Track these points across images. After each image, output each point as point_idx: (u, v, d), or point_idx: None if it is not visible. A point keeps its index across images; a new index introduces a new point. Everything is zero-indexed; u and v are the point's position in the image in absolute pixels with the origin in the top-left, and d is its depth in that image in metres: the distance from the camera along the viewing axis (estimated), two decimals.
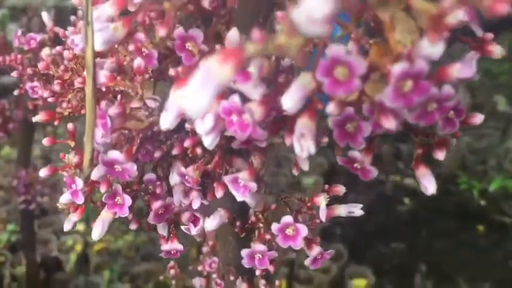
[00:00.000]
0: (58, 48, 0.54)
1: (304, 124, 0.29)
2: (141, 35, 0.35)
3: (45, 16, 0.68)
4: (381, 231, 1.76)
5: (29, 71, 0.66)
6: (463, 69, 0.30)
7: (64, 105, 0.47)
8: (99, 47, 0.35)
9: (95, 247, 1.65)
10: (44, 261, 1.57)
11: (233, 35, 0.26)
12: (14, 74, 0.67)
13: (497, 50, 0.33)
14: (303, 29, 0.18)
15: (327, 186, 0.43)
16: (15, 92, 0.67)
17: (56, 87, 0.42)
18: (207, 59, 0.20)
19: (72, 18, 0.82)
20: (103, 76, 0.37)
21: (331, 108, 0.28)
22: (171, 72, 0.34)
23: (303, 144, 0.29)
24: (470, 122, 0.35)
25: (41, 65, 0.44)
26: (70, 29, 0.50)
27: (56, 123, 0.42)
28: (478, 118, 0.35)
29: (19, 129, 1.22)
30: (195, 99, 0.19)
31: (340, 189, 0.43)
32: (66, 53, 0.47)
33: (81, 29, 0.46)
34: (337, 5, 0.17)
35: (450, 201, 1.90)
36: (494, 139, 2.26)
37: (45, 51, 0.64)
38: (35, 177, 1.30)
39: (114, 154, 0.35)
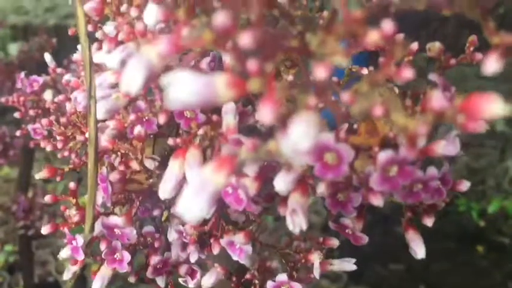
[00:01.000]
0: (60, 97, 0.55)
1: (296, 200, 0.31)
2: (141, 103, 0.37)
3: (48, 57, 0.69)
4: (379, 253, 1.76)
5: (31, 112, 0.68)
6: (448, 146, 0.31)
7: (66, 153, 0.49)
8: (101, 116, 0.36)
9: (93, 269, 1.65)
10: (42, 283, 1.57)
11: (228, 148, 0.28)
12: (17, 115, 0.68)
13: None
14: (290, 159, 0.19)
15: (321, 239, 0.45)
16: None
17: (59, 144, 0.44)
18: (203, 168, 0.21)
19: (65, 61, 0.83)
20: (104, 140, 0.38)
21: (321, 189, 0.30)
22: (170, 141, 0.35)
23: (295, 220, 0.31)
24: (457, 190, 0.36)
25: (43, 122, 0.46)
26: (72, 80, 0.51)
27: (58, 179, 0.44)
28: (465, 185, 0.36)
29: (19, 155, 1.23)
30: (191, 207, 0.21)
31: (334, 243, 0.45)
32: (68, 107, 0.48)
33: (83, 82, 0.47)
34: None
35: (449, 222, 1.91)
36: (492, 159, 2.27)
37: (48, 96, 0.66)
38: (35, 202, 1.31)
39: (114, 219, 0.36)
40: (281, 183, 0.29)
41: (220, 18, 0.19)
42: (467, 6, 0.24)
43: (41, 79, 0.68)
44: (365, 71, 0.41)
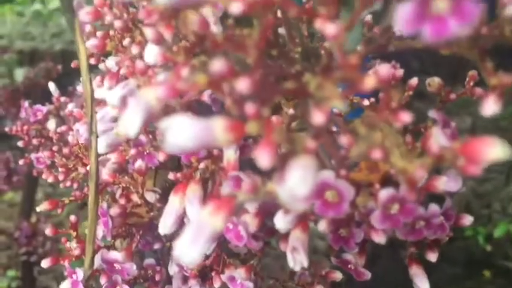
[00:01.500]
0: (63, 127, 0.55)
1: (296, 237, 0.31)
2: (142, 138, 0.37)
3: (52, 86, 0.70)
4: (385, 277, 1.74)
5: (35, 141, 0.68)
6: (449, 182, 0.31)
7: (68, 183, 0.49)
8: (102, 150, 0.36)
9: None
10: None
11: (227, 187, 0.28)
12: (20, 143, 0.68)
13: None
14: (287, 205, 0.19)
15: (324, 272, 0.44)
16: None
17: (60, 176, 0.44)
18: (200, 212, 0.21)
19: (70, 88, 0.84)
20: (105, 174, 0.38)
21: (323, 226, 0.29)
22: (171, 176, 0.35)
23: (296, 257, 0.30)
24: (460, 224, 0.36)
25: (46, 154, 0.46)
26: (75, 111, 0.51)
27: (59, 211, 0.44)
28: (468, 219, 0.36)
29: (23, 180, 1.24)
30: (189, 251, 0.20)
31: (338, 276, 0.44)
32: (70, 138, 0.49)
33: (85, 114, 0.47)
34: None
35: (455, 247, 1.88)
36: (498, 183, 2.26)
37: (51, 125, 0.66)
38: (37, 228, 1.31)
39: (114, 254, 0.36)
40: (281, 221, 0.28)
41: (217, 65, 0.19)
42: (465, 46, 0.25)
43: (44, 108, 0.69)
44: (366, 102, 0.41)
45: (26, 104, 0.71)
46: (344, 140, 0.21)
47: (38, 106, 0.69)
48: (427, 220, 0.30)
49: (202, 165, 0.36)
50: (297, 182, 0.18)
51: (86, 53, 0.33)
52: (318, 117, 0.19)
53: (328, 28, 0.19)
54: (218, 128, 0.20)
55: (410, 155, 0.26)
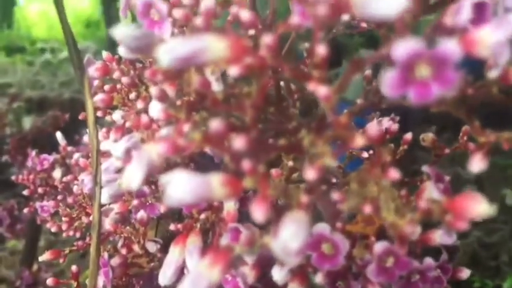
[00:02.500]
0: (69, 177, 0.57)
1: None
2: (144, 189, 0.38)
3: (59, 135, 0.72)
4: None
5: (40, 190, 0.69)
6: (444, 236, 0.32)
7: (71, 233, 0.49)
8: (105, 200, 0.37)
9: None
10: None
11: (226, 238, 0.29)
12: (26, 192, 0.69)
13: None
14: (281, 259, 0.20)
15: None
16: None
17: (64, 226, 0.45)
18: (198, 264, 0.22)
19: (77, 137, 0.86)
20: (107, 224, 0.39)
21: (319, 278, 0.30)
22: (172, 227, 0.36)
23: None
24: (458, 277, 0.36)
25: (50, 204, 0.47)
26: (81, 161, 0.52)
27: (60, 261, 0.44)
28: (465, 273, 0.36)
29: (26, 229, 1.24)
30: None
31: None
32: (75, 188, 0.50)
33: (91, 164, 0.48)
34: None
35: None
36: (504, 234, 2.23)
37: (57, 174, 0.67)
38: (39, 276, 1.29)
39: None
40: (278, 273, 0.29)
41: (214, 124, 0.20)
42: (453, 105, 0.26)
43: (51, 157, 0.70)
44: (365, 155, 0.42)
45: (33, 153, 0.73)
46: (336, 196, 0.22)
47: (45, 155, 0.71)
48: (422, 273, 0.31)
49: (203, 216, 0.37)
50: (289, 237, 0.19)
51: (93, 108, 0.34)
52: (310, 174, 0.20)
53: (320, 90, 0.21)
54: (215, 183, 0.21)
55: (404, 209, 0.27)
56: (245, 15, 0.23)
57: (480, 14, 0.22)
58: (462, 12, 0.22)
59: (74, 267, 0.42)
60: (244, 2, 0.25)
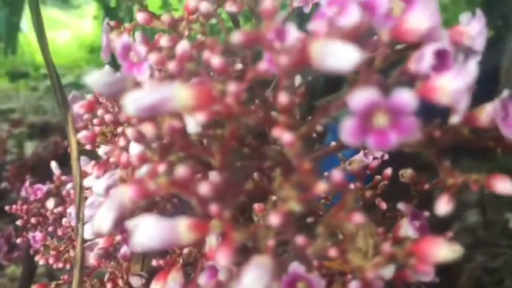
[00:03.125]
0: (60, 208, 0.57)
1: None
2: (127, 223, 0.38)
3: (53, 165, 0.72)
4: None
5: (33, 220, 0.70)
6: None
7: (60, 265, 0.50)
8: (89, 236, 0.37)
9: None
10: None
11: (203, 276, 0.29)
12: (19, 222, 0.70)
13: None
14: None
15: None
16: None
17: (51, 259, 0.45)
18: None
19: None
20: (92, 259, 0.39)
21: None
22: (154, 263, 0.36)
23: None
24: None
25: (38, 237, 0.47)
26: (71, 191, 0.53)
27: None
28: None
29: (23, 256, 1.24)
30: None
31: None
32: (64, 220, 0.50)
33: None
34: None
35: None
36: (508, 258, 2.21)
37: (50, 204, 0.67)
38: None
39: None
40: None
41: (180, 170, 0.21)
42: (423, 147, 0.26)
43: (45, 187, 0.71)
44: (351, 186, 0.43)
45: (27, 183, 0.73)
46: (300, 240, 0.22)
47: (39, 185, 0.71)
48: None
49: (186, 251, 0.37)
50: (252, 282, 0.20)
51: (76, 144, 0.35)
52: (274, 219, 0.20)
53: (284, 136, 0.21)
54: (182, 228, 0.21)
55: (381, 245, 0.27)
56: (216, 61, 0.24)
57: (442, 61, 0.23)
58: (424, 59, 0.23)
59: None
60: (216, 47, 0.26)
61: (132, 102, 0.20)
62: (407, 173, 0.35)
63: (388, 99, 0.19)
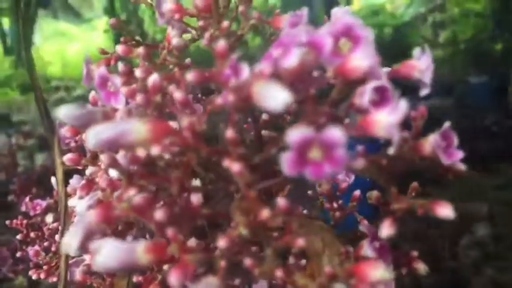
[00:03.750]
0: (55, 224, 0.59)
1: None
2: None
3: (54, 181, 0.75)
4: None
5: (32, 235, 0.72)
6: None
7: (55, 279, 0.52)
8: (74, 253, 0.40)
9: None
10: None
11: None
12: (19, 236, 0.72)
13: (421, 268, 0.37)
14: None
15: None
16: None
17: (42, 274, 0.47)
18: None
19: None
20: (78, 275, 0.41)
21: None
22: (133, 279, 0.38)
23: None
24: None
25: (31, 252, 0.50)
26: None
27: None
28: None
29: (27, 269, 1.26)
30: None
31: None
32: (56, 237, 0.52)
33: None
34: None
35: None
36: None
37: (48, 219, 0.70)
38: None
39: None
40: None
41: (137, 199, 0.23)
42: (375, 173, 0.28)
43: (44, 203, 0.73)
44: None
45: (26, 198, 0.76)
46: (247, 262, 0.24)
47: (38, 200, 0.74)
48: None
49: (166, 267, 0.39)
50: None
51: (61, 166, 0.37)
52: (221, 243, 0.23)
53: (234, 167, 0.23)
54: (140, 250, 0.23)
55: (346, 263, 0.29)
56: (178, 95, 0.26)
57: (382, 97, 0.25)
58: (365, 95, 0.25)
59: None
60: (183, 82, 0.28)
61: (93, 136, 0.22)
62: (372, 194, 0.37)
63: (320, 134, 0.21)
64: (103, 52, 0.40)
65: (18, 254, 0.72)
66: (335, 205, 0.40)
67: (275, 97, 0.20)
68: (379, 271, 0.23)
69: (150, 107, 0.28)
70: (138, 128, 0.23)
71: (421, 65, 0.29)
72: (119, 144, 0.23)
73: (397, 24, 6.36)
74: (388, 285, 0.35)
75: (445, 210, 0.26)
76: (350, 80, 0.25)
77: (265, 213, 0.23)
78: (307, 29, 0.25)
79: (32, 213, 0.73)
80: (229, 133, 0.23)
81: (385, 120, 0.23)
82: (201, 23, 0.34)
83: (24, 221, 0.73)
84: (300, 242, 0.23)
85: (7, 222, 0.76)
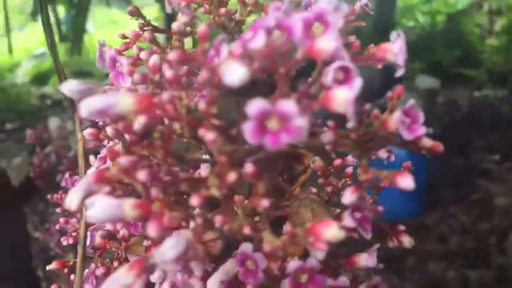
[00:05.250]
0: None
1: None
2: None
3: (92, 160, 0.80)
4: None
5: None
6: (368, 259, 0.37)
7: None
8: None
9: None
10: None
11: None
12: (58, 210, 0.78)
13: (406, 240, 0.39)
14: (160, 265, 0.26)
15: None
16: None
17: (70, 240, 0.52)
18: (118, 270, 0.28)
19: None
20: (98, 239, 0.46)
21: None
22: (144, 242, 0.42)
23: None
24: None
25: (61, 220, 0.55)
26: None
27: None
28: None
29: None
30: None
31: None
32: None
33: None
34: None
35: None
36: None
37: None
38: None
39: None
40: (213, 284, 0.34)
41: (122, 160, 0.26)
42: (350, 147, 0.31)
43: None
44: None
45: (66, 174, 0.82)
46: (218, 219, 0.27)
47: (76, 177, 0.80)
48: None
49: None
50: (168, 248, 0.25)
51: (82, 142, 0.42)
52: (193, 200, 0.26)
53: (207, 135, 0.26)
54: (126, 206, 0.27)
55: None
56: (168, 73, 0.30)
57: (347, 76, 0.27)
58: (329, 74, 0.27)
59: (72, 276, 0.49)
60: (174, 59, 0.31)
61: (85, 107, 0.26)
62: (317, 161, 0.39)
63: (275, 106, 0.24)
64: (123, 37, 0.44)
65: (57, 226, 0.78)
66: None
67: (233, 73, 0.24)
68: (332, 230, 0.26)
69: (147, 85, 0.31)
70: (124, 101, 0.26)
71: (394, 48, 0.31)
72: (108, 114, 0.27)
73: (451, 11, 6.18)
74: (370, 256, 0.38)
75: (405, 182, 0.29)
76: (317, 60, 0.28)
77: (232, 176, 0.26)
78: (278, 14, 0.28)
79: (70, 187, 0.79)
80: (202, 105, 0.26)
81: (343, 96, 0.26)
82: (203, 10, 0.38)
83: (64, 195, 0.79)
84: (264, 203, 0.26)
85: (48, 196, 0.82)
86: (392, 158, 0.37)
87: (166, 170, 0.28)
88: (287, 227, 0.27)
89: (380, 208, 0.41)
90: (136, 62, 0.36)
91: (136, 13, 0.45)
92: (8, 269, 1.30)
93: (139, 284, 0.28)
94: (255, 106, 0.24)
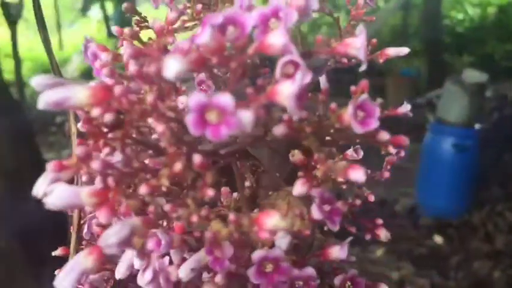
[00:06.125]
0: None
1: None
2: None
3: None
4: None
5: None
6: (340, 250, 0.37)
7: None
8: None
9: None
10: None
11: None
12: None
13: (383, 234, 0.39)
14: (106, 248, 0.27)
15: None
16: None
17: None
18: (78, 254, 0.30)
19: None
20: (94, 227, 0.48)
21: (218, 279, 0.36)
22: None
23: None
24: None
25: None
26: None
27: None
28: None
29: None
30: (63, 282, 0.29)
31: None
32: None
33: None
34: None
35: None
36: None
37: None
38: None
39: None
40: (185, 271, 0.36)
41: (78, 150, 0.28)
42: (310, 140, 0.31)
43: None
44: None
45: None
46: (167, 207, 0.28)
47: None
48: (305, 281, 0.36)
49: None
50: (111, 234, 0.26)
51: (76, 135, 0.44)
52: (141, 189, 0.27)
53: (158, 127, 0.28)
54: (84, 193, 0.29)
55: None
56: (132, 68, 0.31)
57: (295, 70, 0.28)
58: (278, 68, 0.28)
59: None
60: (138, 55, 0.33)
61: (43, 99, 0.28)
62: (297, 154, 0.39)
63: (212, 99, 0.25)
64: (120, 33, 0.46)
65: None
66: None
67: (169, 67, 0.25)
68: (274, 220, 0.27)
69: (114, 78, 0.33)
70: (80, 93, 0.28)
71: (356, 43, 0.32)
72: (64, 106, 0.28)
73: (502, 3, 5.97)
74: (342, 248, 0.38)
75: (356, 174, 0.29)
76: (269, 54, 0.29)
77: (178, 166, 0.27)
78: (231, 10, 0.28)
79: None
80: (149, 98, 0.27)
81: (286, 90, 0.26)
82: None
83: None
84: (209, 192, 0.27)
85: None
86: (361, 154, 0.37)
87: (123, 160, 0.29)
88: (231, 216, 0.28)
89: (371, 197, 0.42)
90: (117, 57, 0.37)
91: (131, 10, 0.47)
92: None
93: (98, 267, 0.30)
94: (194, 99, 0.25)
